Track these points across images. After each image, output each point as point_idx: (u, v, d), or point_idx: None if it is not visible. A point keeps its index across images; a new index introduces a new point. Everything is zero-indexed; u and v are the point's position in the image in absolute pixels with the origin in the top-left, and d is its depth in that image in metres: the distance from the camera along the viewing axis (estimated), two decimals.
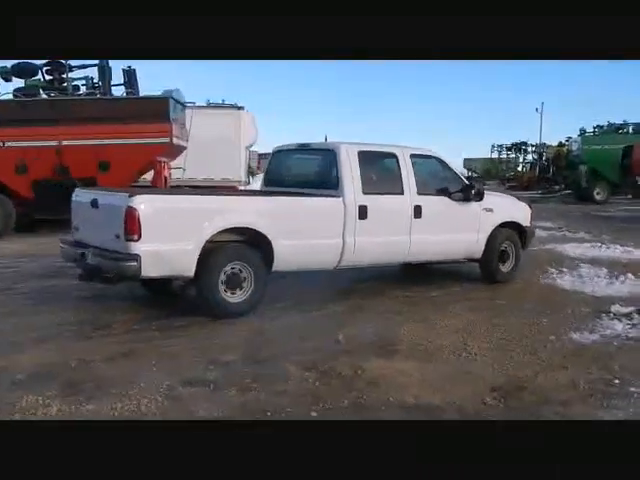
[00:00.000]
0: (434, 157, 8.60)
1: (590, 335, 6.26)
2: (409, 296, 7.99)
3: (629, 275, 9.04)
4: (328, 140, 8.74)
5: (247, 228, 6.71)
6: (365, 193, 7.44)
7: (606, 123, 30.60)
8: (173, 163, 15.45)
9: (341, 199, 7.32)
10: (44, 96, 14.27)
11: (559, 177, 32.96)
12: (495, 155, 49.47)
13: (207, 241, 6.43)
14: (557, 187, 32.74)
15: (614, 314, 6.99)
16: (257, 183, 24.61)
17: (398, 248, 7.88)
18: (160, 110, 13.69)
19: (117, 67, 14.79)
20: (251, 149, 24.32)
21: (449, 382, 4.91)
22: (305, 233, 7.08)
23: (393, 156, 7.99)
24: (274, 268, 6.92)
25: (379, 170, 8.08)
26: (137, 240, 6.05)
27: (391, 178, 7.94)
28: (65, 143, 13.43)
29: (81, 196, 7.40)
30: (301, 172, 8.82)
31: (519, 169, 43.97)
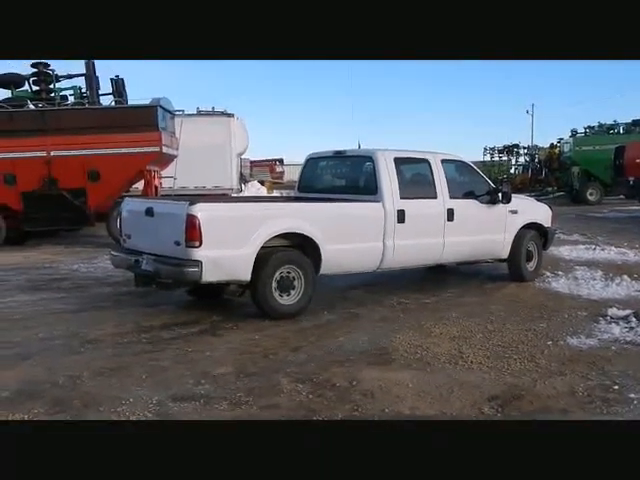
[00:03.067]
0: (462, 162, 9.01)
1: (587, 340, 6.19)
2: (403, 303, 7.92)
3: (624, 277, 9.00)
4: (361, 147, 8.95)
5: (297, 233, 7.01)
6: (402, 198, 7.75)
7: (597, 124, 30.77)
8: (164, 172, 15.41)
9: (380, 204, 7.62)
10: (31, 107, 14.20)
11: (552, 179, 33.15)
12: (487, 158, 49.74)
13: (263, 246, 6.73)
14: (550, 189, 32.90)
15: (611, 317, 6.93)
16: (249, 190, 24.83)
17: (433, 250, 8.20)
18: (148, 119, 13.68)
19: (105, 76, 14.77)
20: (242, 156, 24.35)
21: (445, 392, 4.83)
22: (349, 237, 7.38)
23: (426, 162, 8.29)
24: (321, 271, 7.24)
25: (414, 175, 8.47)
26: (198, 246, 6.32)
27: (425, 183, 8.26)
28: (54, 154, 13.39)
29: (133, 205, 7.72)
30: (337, 179, 9.13)
31: (512, 171, 44.10)
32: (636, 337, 6.24)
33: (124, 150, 13.41)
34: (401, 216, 7.67)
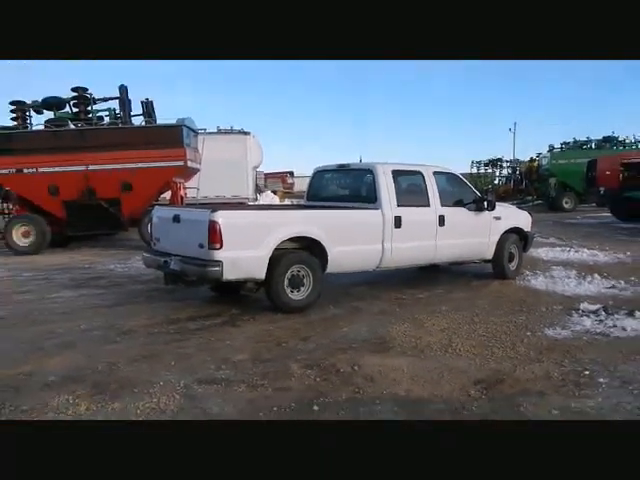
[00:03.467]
0: (452, 174, 9.02)
1: (562, 331, 6.21)
2: (399, 298, 7.94)
3: (596, 276, 9.00)
4: (363, 161, 9.01)
5: (306, 237, 7.05)
6: (399, 206, 7.81)
7: (572, 140, 30.69)
8: (188, 183, 15.46)
9: (379, 211, 7.68)
10: (72, 126, 14.27)
11: (531, 189, 32.99)
12: (474, 170, 49.58)
13: (276, 248, 6.78)
14: (530, 198, 32.75)
15: (583, 311, 6.94)
16: (264, 199, 24.88)
17: (427, 251, 8.23)
18: (175, 137, 13.72)
19: (136, 99, 14.83)
20: (257, 169, 24.39)
21: (437, 376, 4.86)
22: (352, 240, 7.42)
23: (419, 174, 8.32)
24: (328, 270, 7.28)
25: (409, 186, 8.40)
26: (219, 248, 6.39)
27: (419, 192, 8.25)
28: (91, 168, 13.46)
29: (162, 212, 7.76)
30: (341, 189, 9.10)
31: (496, 182, 43.94)
32: (605, 329, 6.25)
33: (153, 164, 13.44)
34: (398, 222, 7.72)
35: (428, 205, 8.19)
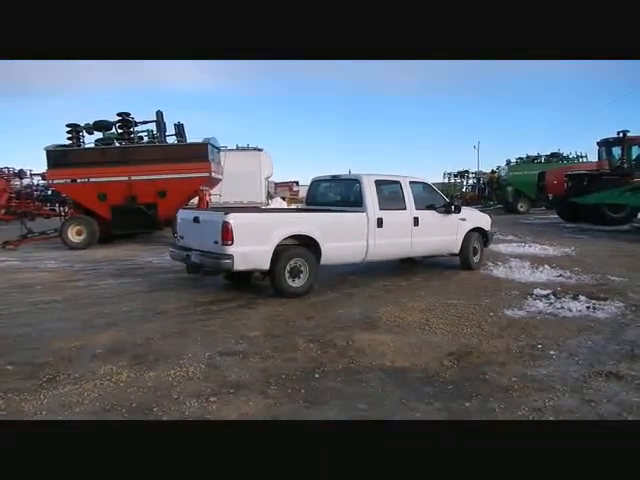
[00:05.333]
0: (425, 183, 8.99)
1: (519, 312, 6.15)
2: (386, 285, 7.88)
3: (546, 266, 8.93)
4: (352, 172, 9.02)
5: (304, 235, 7.01)
6: (381, 209, 7.80)
7: (525, 155, 30.71)
8: (212, 191, 15.41)
9: (364, 214, 7.65)
10: (117, 144, 14.21)
11: (493, 195, 32.96)
12: (446, 180, 49.52)
13: (278, 244, 6.74)
14: (491, 203, 32.65)
15: (536, 295, 6.88)
16: (274, 204, 24.82)
17: (404, 247, 8.21)
18: (201, 153, 13.65)
19: (170, 122, 14.75)
20: (269, 179, 24.34)
21: (416, 349, 4.81)
22: (342, 238, 7.38)
23: (398, 182, 8.30)
24: (322, 262, 7.21)
25: (389, 193, 8.32)
26: (231, 244, 6.41)
27: (397, 198, 8.20)
28: (133, 178, 13.40)
29: (184, 215, 7.70)
30: (334, 195, 9.01)
31: (464, 190, 43.86)
32: (554, 310, 6.19)
33: (184, 175, 13.36)
34: (380, 222, 7.73)
35: (405, 208, 8.18)
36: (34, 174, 27.74)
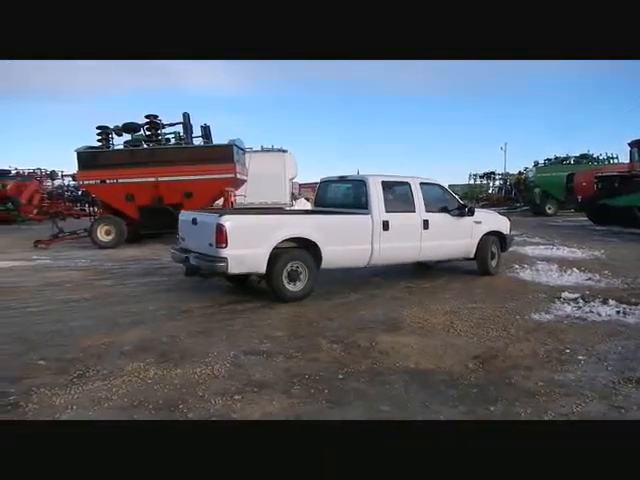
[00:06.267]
0: (437, 185, 8.56)
1: (546, 315, 6.05)
2: (409, 286, 7.84)
3: (574, 269, 8.77)
4: (360, 173, 8.74)
5: (302, 238, 6.78)
6: (387, 211, 7.50)
7: (553, 156, 30.15)
8: (237, 192, 15.53)
9: (369, 216, 7.37)
10: (145, 146, 14.45)
11: (519, 197, 32.50)
12: (472, 181, 48.99)
13: (275, 247, 6.54)
14: (518, 204, 32.20)
15: (564, 299, 6.77)
16: (298, 205, 24.90)
17: (412, 251, 7.88)
18: (227, 154, 13.76)
19: (197, 124, 14.94)
20: (293, 180, 24.44)
21: (441, 352, 4.77)
22: (344, 241, 7.11)
23: (406, 184, 8.00)
24: (322, 266, 6.97)
25: (397, 194, 8.07)
26: (225, 247, 6.22)
27: (406, 200, 7.92)
28: (160, 179, 13.60)
29: (185, 216, 7.52)
30: (340, 196, 8.74)
31: (490, 191, 43.33)
32: (583, 314, 6.08)
33: (209, 176, 13.50)
34: (386, 225, 7.41)
35: (414, 211, 7.84)
36: (65, 175, 28.45)
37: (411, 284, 8.00)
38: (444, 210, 8.24)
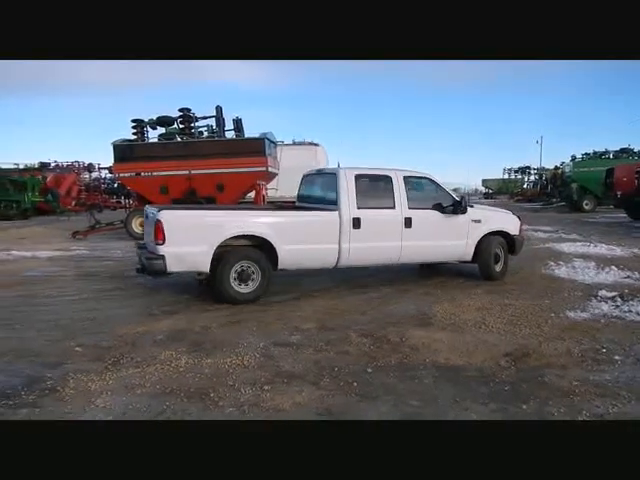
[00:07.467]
0: (427, 178, 7.64)
1: (582, 314, 5.89)
2: (441, 281, 7.76)
3: (613, 267, 8.50)
4: (341, 166, 8.14)
5: (254, 235, 6.30)
6: (360, 208, 6.82)
7: (592, 151, 29.31)
8: (269, 185, 15.63)
9: (336, 212, 6.75)
10: (179, 139, 14.67)
11: (555, 192, 31.72)
12: (506, 176, 48.04)
13: (219, 245, 6.10)
14: (554, 200, 31.49)
15: (601, 297, 6.57)
16: None
17: (390, 251, 7.14)
18: (258, 148, 13.86)
19: (229, 117, 15.09)
20: None
21: (471, 348, 4.71)
22: (306, 240, 6.55)
23: (387, 177, 7.18)
24: (280, 266, 6.48)
25: (374, 189, 7.21)
26: (162, 244, 5.87)
27: (384, 195, 7.11)
28: (193, 172, 13.80)
29: (147, 210, 7.01)
30: (317, 191, 8.01)
31: (525, 186, 42.46)
32: (620, 313, 5.89)
33: (241, 169, 13.64)
34: (357, 223, 6.73)
35: (393, 207, 7.05)
36: (102, 168, 29.19)
37: (443, 279, 7.93)
38: (434, 207, 7.40)
